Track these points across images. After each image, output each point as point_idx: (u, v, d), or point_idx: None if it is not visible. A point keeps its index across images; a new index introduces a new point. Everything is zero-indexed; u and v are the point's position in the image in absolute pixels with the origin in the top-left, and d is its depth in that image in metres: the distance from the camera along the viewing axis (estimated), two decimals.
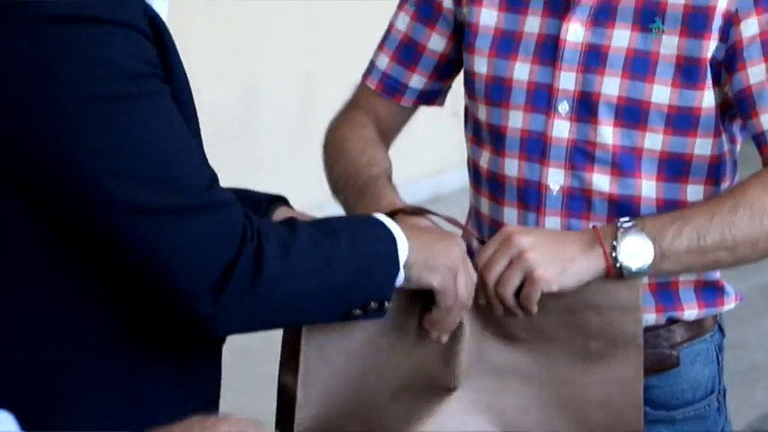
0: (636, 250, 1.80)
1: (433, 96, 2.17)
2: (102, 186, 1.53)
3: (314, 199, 5.65)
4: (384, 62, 2.15)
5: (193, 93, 1.72)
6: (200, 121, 1.66)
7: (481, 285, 1.78)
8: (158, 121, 1.59)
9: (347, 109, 2.18)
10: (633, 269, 1.79)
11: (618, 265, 1.78)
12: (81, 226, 1.56)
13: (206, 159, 1.64)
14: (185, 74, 1.69)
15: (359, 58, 2.55)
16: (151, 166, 1.58)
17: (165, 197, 1.57)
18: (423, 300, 1.78)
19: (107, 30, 1.57)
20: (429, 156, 6.27)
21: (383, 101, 2.15)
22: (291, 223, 1.68)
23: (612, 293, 1.81)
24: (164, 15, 1.68)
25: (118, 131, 1.56)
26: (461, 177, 2.78)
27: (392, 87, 2.14)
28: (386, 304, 1.70)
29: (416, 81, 2.13)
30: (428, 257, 1.74)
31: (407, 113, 2.19)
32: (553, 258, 1.78)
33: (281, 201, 1.87)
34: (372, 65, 2.16)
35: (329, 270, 1.67)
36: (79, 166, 1.53)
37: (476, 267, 1.80)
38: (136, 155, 1.57)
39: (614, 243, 1.79)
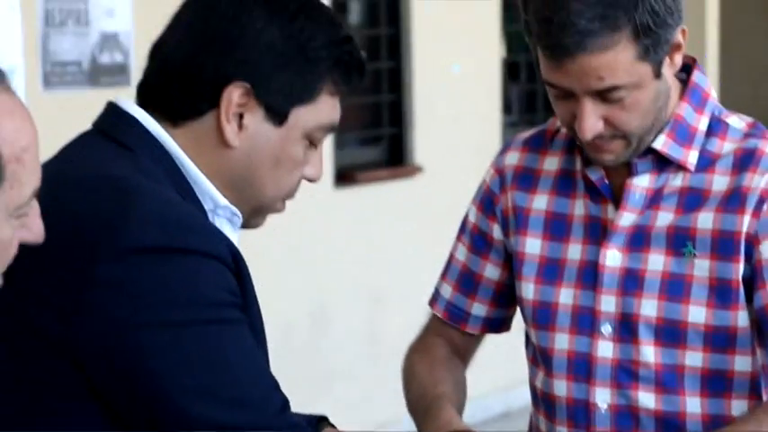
0: None
1: (499, 324, 2.20)
2: (179, 403, 1.57)
3: (382, 413, 5.63)
4: (447, 291, 2.19)
5: (264, 307, 1.74)
6: (269, 335, 1.70)
7: None
8: (235, 346, 1.62)
9: (422, 334, 2.23)
10: None
11: None
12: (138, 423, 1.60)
13: (278, 384, 1.68)
14: (258, 302, 1.73)
15: (425, 278, 2.64)
16: (227, 387, 1.60)
17: (240, 417, 1.60)
18: None
19: (195, 260, 1.62)
20: (500, 371, 6.21)
21: (451, 327, 2.19)
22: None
23: None
24: (235, 242, 1.73)
25: (197, 353, 1.59)
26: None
27: (457, 315, 2.18)
28: None
29: (478, 309, 2.17)
30: None
31: (477, 338, 2.22)
32: None
33: (325, 420, 1.90)
34: (437, 292, 2.21)
35: None
36: (159, 383, 1.57)
37: None
38: (213, 376, 1.60)
39: None
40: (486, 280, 2.16)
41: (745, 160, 1.97)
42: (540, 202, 2.10)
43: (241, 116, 1.74)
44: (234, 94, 1.73)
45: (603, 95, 1.89)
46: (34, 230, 1.42)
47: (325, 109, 1.79)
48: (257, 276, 1.74)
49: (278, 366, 1.75)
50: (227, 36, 1.74)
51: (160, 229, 1.61)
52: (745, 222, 1.94)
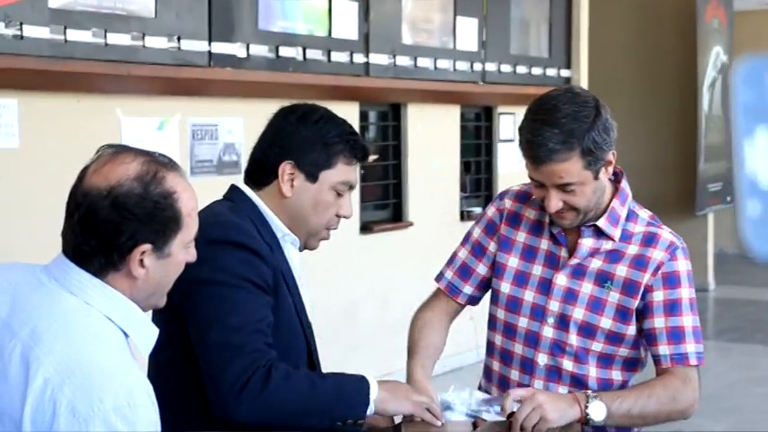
0: (597, 409, 1.82)
1: (476, 300, 2.12)
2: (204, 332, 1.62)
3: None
4: (449, 275, 2.10)
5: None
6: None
7: (514, 422, 1.80)
8: (243, 303, 1.62)
9: (428, 299, 2.14)
10: (595, 420, 1.82)
11: (588, 416, 1.82)
12: (193, 341, 1.65)
13: (270, 334, 1.64)
14: (289, 301, 1.72)
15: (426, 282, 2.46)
16: (232, 320, 1.61)
17: (234, 338, 1.59)
18: None
19: (241, 251, 1.64)
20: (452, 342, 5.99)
21: (447, 297, 2.11)
22: (297, 366, 1.68)
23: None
24: (296, 260, 1.76)
25: (220, 301, 1.62)
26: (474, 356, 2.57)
27: (454, 291, 2.10)
28: (360, 422, 1.66)
29: (468, 289, 2.09)
30: (387, 399, 1.70)
31: (461, 307, 2.13)
32: (555, 409, 1.80)
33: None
34: (442, 274, 2.11)
35: (313, 393, 1.62)
36: (195, 315, 1.64)
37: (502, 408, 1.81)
38: (227, 314, 1.61)
39: (586, 404, 1.82)
40: (477, 273, 2.08)
41: (649, 239, 1.93)
42: (521, 236, 2.03)
43: (291, 179, 1.76)
44: (286, 168, 1.76)
45: (562, 187, 1.86)
46: (192, 255, 1.46)
47: (342, 172, 1.77)
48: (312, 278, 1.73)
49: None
50: (280, 137, 1.77)
51: (223, 231, 1.66)
52: (646, 277, 1.91)
